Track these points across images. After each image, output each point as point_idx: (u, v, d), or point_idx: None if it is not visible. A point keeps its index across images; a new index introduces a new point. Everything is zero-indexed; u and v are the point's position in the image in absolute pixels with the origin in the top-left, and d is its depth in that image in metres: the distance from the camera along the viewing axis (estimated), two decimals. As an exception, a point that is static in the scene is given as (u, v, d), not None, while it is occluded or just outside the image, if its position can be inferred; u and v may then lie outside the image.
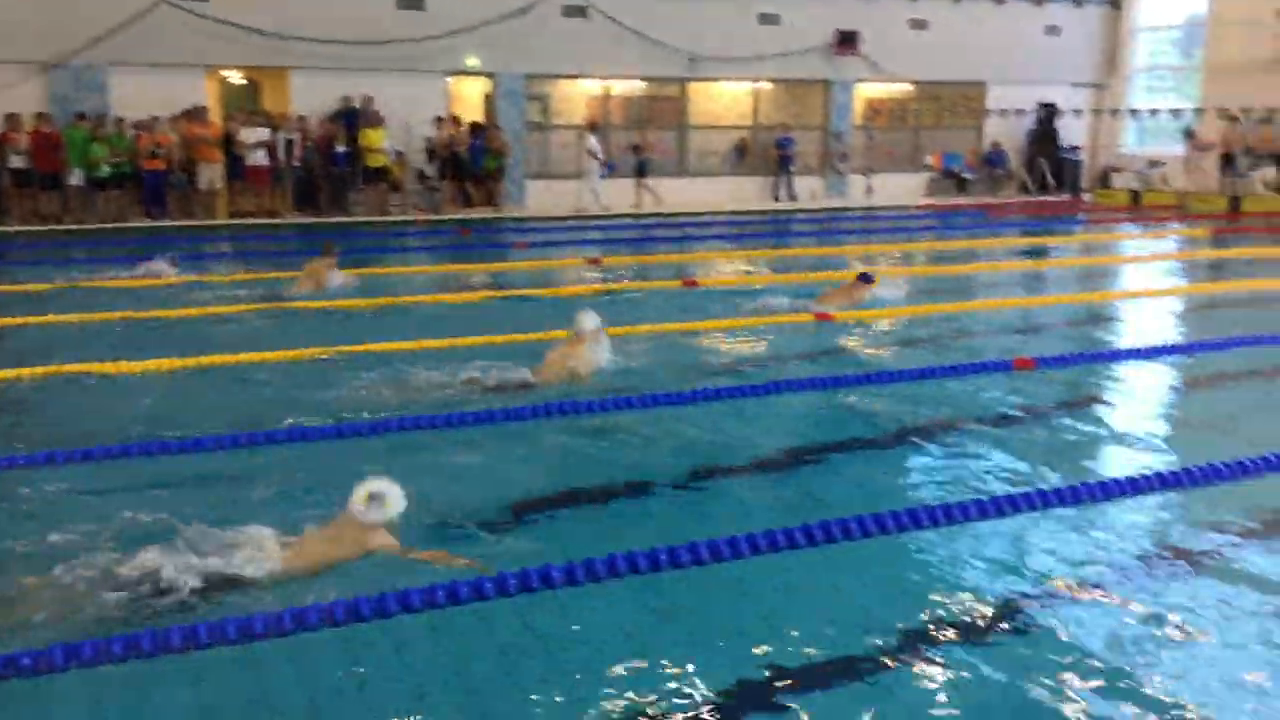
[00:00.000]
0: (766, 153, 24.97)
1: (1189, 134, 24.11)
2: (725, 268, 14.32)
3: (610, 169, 22.45)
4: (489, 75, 22.41)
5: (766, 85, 25.09)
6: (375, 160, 20.29)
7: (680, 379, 7.33)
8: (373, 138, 20.13)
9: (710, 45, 23.46)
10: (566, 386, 6.87)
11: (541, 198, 22.64)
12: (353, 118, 20.36)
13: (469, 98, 23.84)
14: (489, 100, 22.89)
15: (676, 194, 23.34)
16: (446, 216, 20.41)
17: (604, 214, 21.36)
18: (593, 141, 22.04)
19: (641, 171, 22.78)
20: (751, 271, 13.96)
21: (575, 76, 23.49)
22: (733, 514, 4.93)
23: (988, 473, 5.45)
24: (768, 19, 23.98)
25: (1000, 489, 5.14)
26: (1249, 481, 5.25)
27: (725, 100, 25.15)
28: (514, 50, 21.98)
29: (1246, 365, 8.05)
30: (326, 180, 20.25)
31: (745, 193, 24.57)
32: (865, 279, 10.38)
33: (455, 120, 21.13)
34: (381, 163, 20.40)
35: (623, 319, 9.58)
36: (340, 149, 19.98)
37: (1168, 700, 3.38)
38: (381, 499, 4.32)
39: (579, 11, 22.46)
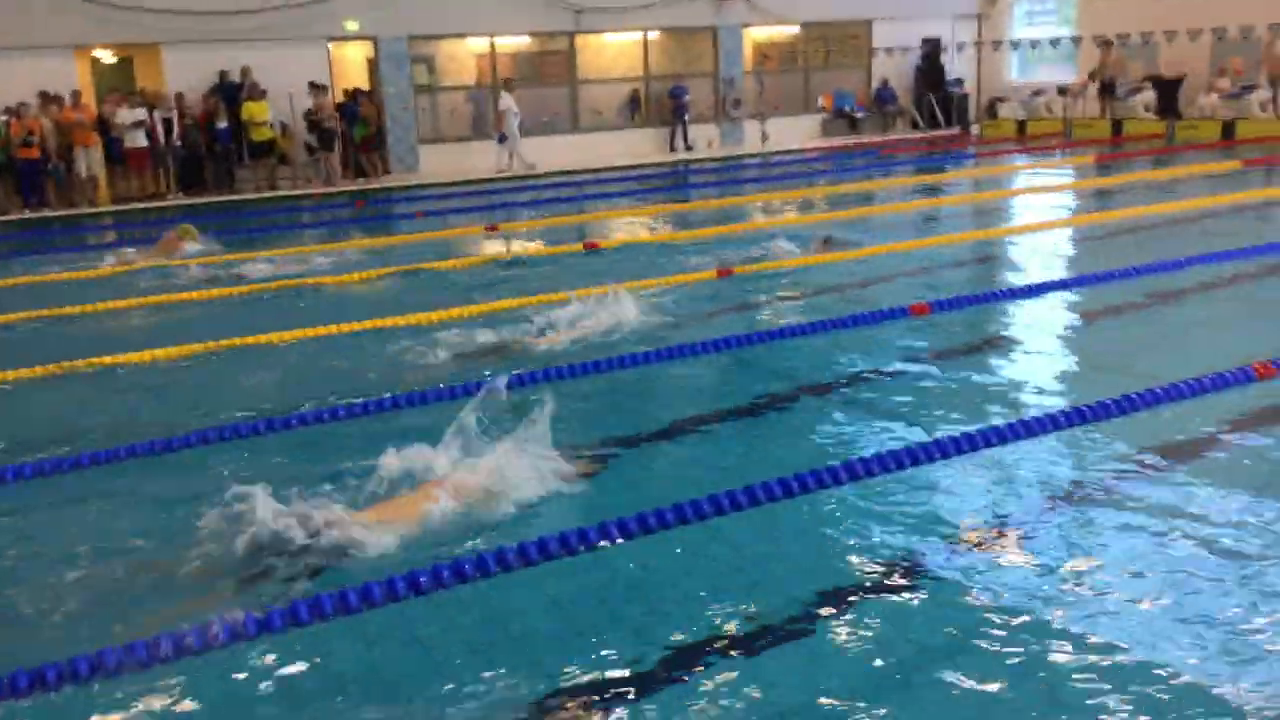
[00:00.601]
0: (660, 103, 24.88)
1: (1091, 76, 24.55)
2: (627, 226, 14.29)
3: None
4: (371, 39, 21.86)
5: (655, 35, 24.92)
6: (260, 134, 19.72)
7: (584, 349, 7.31)
8: (255, 111, 19.54)
9: (596, -3, 23.18)
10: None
11: (436, 162, 22.26)
12: (233, 91, 19.74)
13: (353, 63, 23.28)
14: (372, 65, 22.36)
15: (571, 151, 23.12)
16: (338, 189, 19.97)
17: (497, 176, 21.10)
18: (509, 101, 21.66)
19: (503, 140, 21.83)
20: (654, 228, 13.96)
21: (460, 35, 23.06)
22: (642, 486, 4.95)
23: (889, 426, 5.54)
24: (652, -33, 23.76)
25: (903, 441, 5.22)
26: (1144, 414, 5.42)
27: (614, 53, 24.94)
28: (395, 12, 21.46)
29: (1141, 293, 8.30)
30: (211, 158, 19.65)
31: (642, 145, 24.47)
32: (828, 241, 10.65)
33: (320, 89, 20.47)
34: (267, 136, 19.84)
35: (523, 288, 9.55)
36: (222, 125, 19.37)
37: (1081, 633, 3.50)
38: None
39: (460, -32, 21.97)
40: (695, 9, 24.43)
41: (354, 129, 20.79)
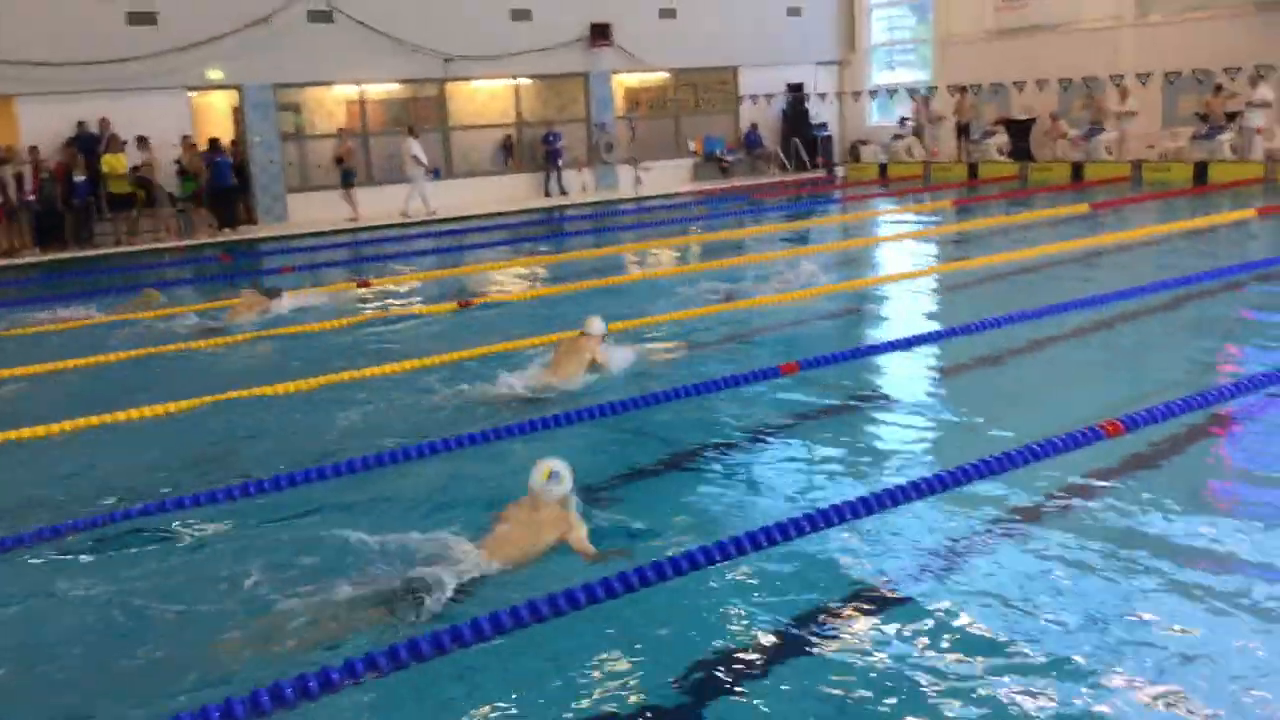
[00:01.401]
0: (534, 149, 24.98)
1: (924, 100, 25.64)
2: (501, 279, 14.25)
3: (436, 174, 21.96)
4: (235, 88, 21.44)
5: (526, 81, 25.04)
6: (119, 186, 19.13)
7: (455, 419, 7.24)
8: (114, 163, 18.96)
9: (465, 44, 23.21)
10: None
11: (305, 212, 21.88)
12: (91, 143, 19.11)
13: (218, 112, 22.79)
14: (237, 114, 21.92)
15: (444, 198, 23.00)
16: (203, 241, 19.47)
17: (368, 224, 20.86)
18: (415, 146, 21.54)
19: (347, 182, 21.58)
20: (530, 280, 13.94)
21: (326, 83, 22.80)
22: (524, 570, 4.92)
23: (754, 499, 5.63)
24: (520, 15, 23.93)
25: (771, 514, 5.30)
26: (1004, 476, 5.62)
27: (486, 98, 24.99)
28: (259, 60, 21.12)
29: (1003, 344, 8.61)
30: (69, 212, 18.95)
31: (516, 191, 24.52)
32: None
33: (186, 140, 20.06)
34: (127, 189, 19.25)
35: (390, 354, 9.42)
36: (79, 178, 18.71)
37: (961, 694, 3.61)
38: (559, 476, 5.03)
39: (324, 16, 21.77)
40: (565, 56, 24.65)
41: (228, 179, 20.31)
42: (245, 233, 20.44)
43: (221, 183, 20.26)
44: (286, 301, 11.94)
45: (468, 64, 23.47)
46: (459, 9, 23.15)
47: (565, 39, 24.47)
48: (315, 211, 21.81)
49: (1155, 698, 3.70)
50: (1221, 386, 6.93)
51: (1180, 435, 6.22)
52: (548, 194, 24.48)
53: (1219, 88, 21.12)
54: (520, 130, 25.19)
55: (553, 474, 5.01)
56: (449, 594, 4.51)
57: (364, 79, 22.91)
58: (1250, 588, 4.40)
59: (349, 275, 14.93)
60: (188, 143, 20.20)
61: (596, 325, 8.37)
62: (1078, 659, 3.93)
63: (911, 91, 26.91)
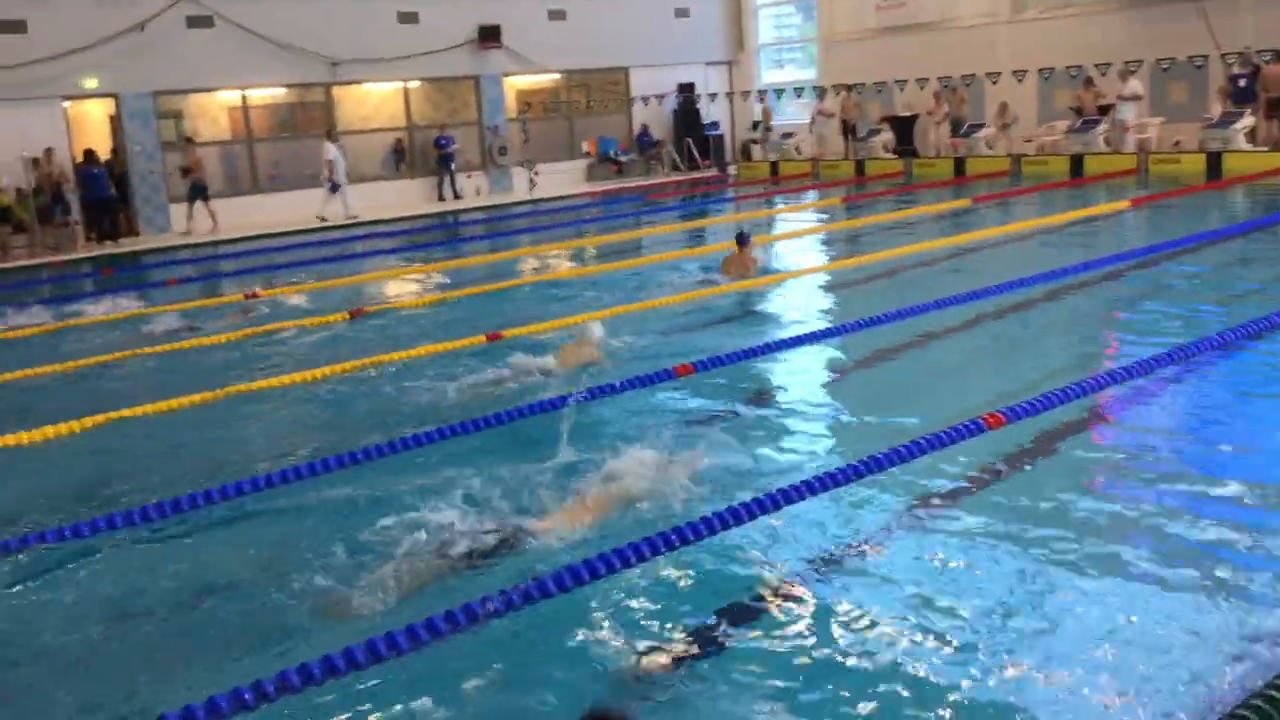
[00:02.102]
0: (426, 153, 24.72)
1: (820, 96, 26.11)
2: (394, 286, 14.06)
3: (334, 187, 21.59)
4: (112, 96, 20.78)
5: (416, 84, 24.77)
6: (-9, 201, 18.41)
7: (349, 436, 7.13)
8: (-21, 177, 18.23)
9: (351, 48, 22.87)
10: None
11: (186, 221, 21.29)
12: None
13: (96, 121, 22.06)
14: (115, 123, 21.25)
15: (335, 204, 22.61)
16: (81, 255, 18.82)
17: (261, 233, 20.41)
18: (334, 151, 21.28)
19: (196, 195, 20.82)
20: (423, 288, 13.79)
21: (209, 90, 22.24)
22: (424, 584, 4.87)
23: (657, 499, 5.66)
24: (407, 18, 23.66)
25: (672, 514, 5.35)
26: (895, 469, 5.75)
27: (376, 102, 24.66)
28: (136, 67, 20.53)
29: (894, 339, 8.79)
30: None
31: (410, 196, 24.25)
32: (741, 240, 11.80)
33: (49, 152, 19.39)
34: (1, 203, 18.52)
35: (280, 367, 9.24)
36: (-54, 193, 17.96)
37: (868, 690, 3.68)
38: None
39: (205, 22, 21.24)
40: (455, 59, 24.45)
41: (106, 190, 19.65)
42: (127, 245, 19.83)
43: (99, 194, 19.61)
44: None
45: (355, 67, 23.13)
46: (344, 12, 22.80)
47: (454, 41, 24.27)
48: (203, 220, 21.23)
49: (1058, 675, 3.83)
50: (1100, 375, 7.18)
51: (1063, 424, 6.43)
52: (441, 198, 24.25)
53: (1089, 82, 21.89)
54: (411, 134, 24.90)
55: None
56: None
57: (247, 84, 22.41)
58: (1136, 564, 4.59)
59: (237, 286, 14.58)
60: (47, 156, 19.36)
61: (595, 330, 8.93)
62: (979, 643, 4.04)
63: (797, 91, 27.34)
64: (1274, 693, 3.40)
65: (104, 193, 19.74)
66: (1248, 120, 19.51)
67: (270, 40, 21.85)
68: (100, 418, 7.61)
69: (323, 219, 21.39)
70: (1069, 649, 4.01)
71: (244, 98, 22.70)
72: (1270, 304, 8.86)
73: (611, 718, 3.10)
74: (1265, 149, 19.29)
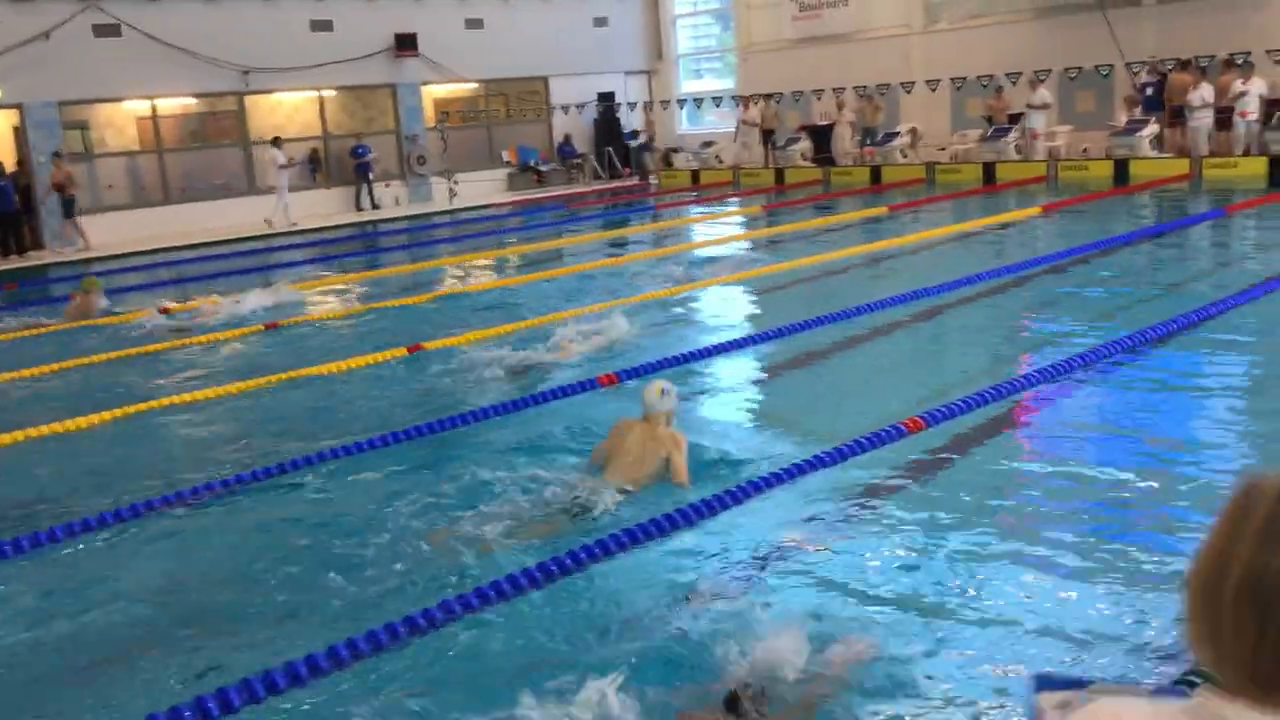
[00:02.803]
0: (342, 162, 24.39)
1: (744, 104, 26.30)
2: (311, 298, 13.82)
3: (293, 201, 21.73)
4: (15, 107, 20.16)
5: (331, 93, 24.44)
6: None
7: (269, 448, 6.99)
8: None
9: (263, 56, 22.49)
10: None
11: (98, 233, 20.72)
12: None
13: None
14: (19, 133, 20.62)
15: (250, 215, 22.23)
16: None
17: (171, 245, 19.94)
18: (280, 157, 21.30)
19: (68, 212, 20.03)
20: (342, 299, 13.57)
21: (116, 100, 21.70)
22: (332, 606, 4.79)
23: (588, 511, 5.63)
24: (320, 25, 23.35)
25: (602, 524, 5.32)
26: (818, 475, 5.79)
27: (289, 111, 24.25)
28: (41, 77, 19.95)
29: (818, 345, 8.86)
30: None
31: (326, 206, 23.88)
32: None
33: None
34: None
35: (198, 382, 9.03)
36: None
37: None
38: (669, 392, 5.74)
39: (112, 30, 20.73)
40: (371, 67, 24.18)
41: (11, 202, 19.04)
42: (33, 258, 19.23)
43: (3, 208, 18.99)
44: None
45: (267, 76, 22.75)
46: (256, 20, 22.42)
47: (370, 49, 24.00)
48: (108, 233, 20.69)
49: (983, 667, 3.93)
50: (1015, 379, 7.32)
51: (980, 427, 6.54)
52: (359, 208, 23.94)
53: (1000, 91, 22.39)
54: (327, 143, 24.55)
55: (664, 391, 5.70)
56: (611, 504, 5.37)
57: (156, 94, 21.91)
58: (1051, 557, 4.70)
59: (150, 300, 14.19)
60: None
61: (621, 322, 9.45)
62: (906, 640, 4.10)
63: (716, 100, 27.55)
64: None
65: (8, 206, 19.13)
66: (1152, 128, 20.11)
67: (180, 49, 21.39)
68: (6, 437, 7.36)
69: (270, 225, 21.49)
70: (989, 637, 4.11)
71: (153, 107, 22.19)
72: (1176, 307, 9.13)
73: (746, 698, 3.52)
74: (1170, 156, 19.89)
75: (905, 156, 23.53)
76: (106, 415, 7.83)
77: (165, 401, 8.27)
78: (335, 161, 24.48)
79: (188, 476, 6.52)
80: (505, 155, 27.12)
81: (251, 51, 22.32)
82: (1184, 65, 19.94)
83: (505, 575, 4.60)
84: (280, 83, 23.14)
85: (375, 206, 24.01)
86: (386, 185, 24.61)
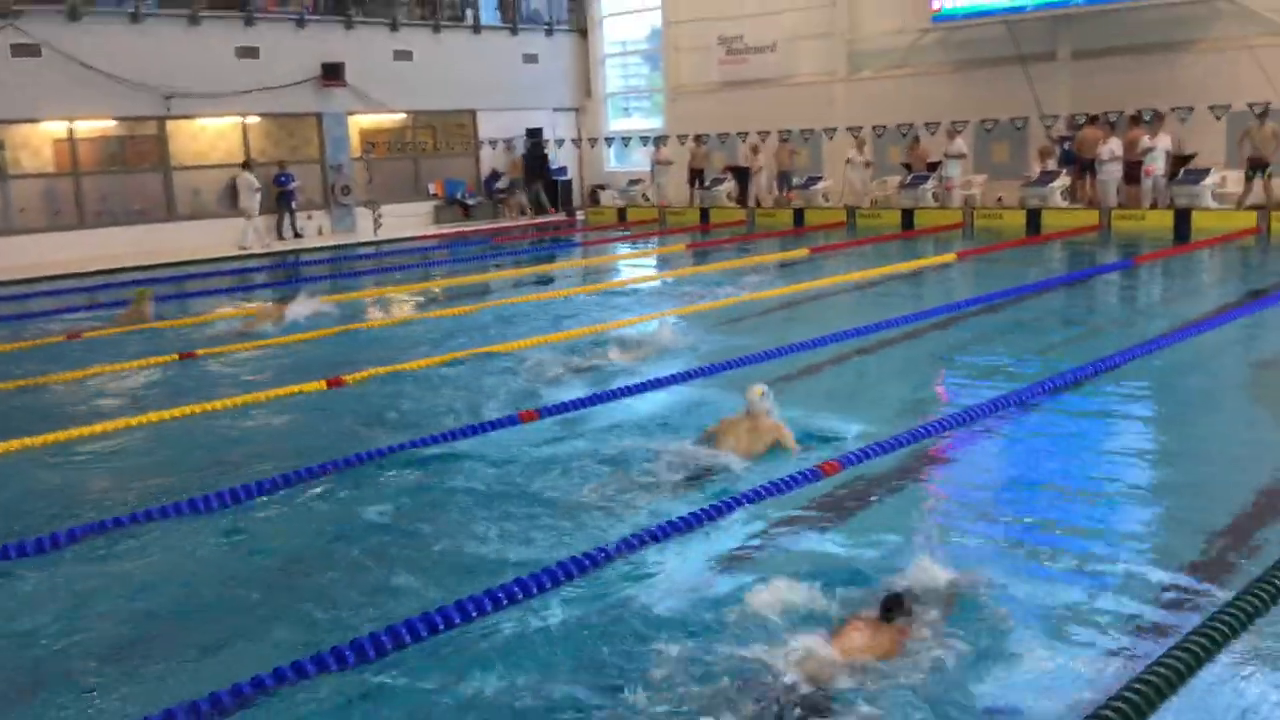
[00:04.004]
0: (265, 190, 24.05)
1: (656, 144, 26.59)
2: (228, 327, 13.57)
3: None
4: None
5: (255, 120, 24.16)
6: None
7: (180, 485, 6.85)
8: None
9: (187, 81, 22.21)
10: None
11: (9, 256, 20.17)
12: None
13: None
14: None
15: (168, 242, 21.85)
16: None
17: (86, 270, 19.48)
18: (251, 179, 21.56)
19: None
20: (260, 330, 13.35)
21: (32, 120, 21.22)
22: (243, 642, 4.71)
23: (494, 547, 5.62)
24: (246, 52, 23.14)
25: (509, 566, 5.31)
26: (736, 515, 5.84)
27: (212, 137, 23.91)
28: (-48, 95, 19.41)
29: (739, 384, 8.90)
30: None
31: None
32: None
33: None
34: None
35: (107, 412, 8.83)
36: None
37: None
38: (769, 393, 6.87)
39: (31, 50, 20.31)
40: (296, 95, 24.00)
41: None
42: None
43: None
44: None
45: (190, 102, 22.44)
46: (180, 45, 22.17)
47: (296, 78, 23.82)
48: (21, 256, 20.15)
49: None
50: (930, 423, 7.47)
51: (895, 469, 6.66)
52: (281, 237, 23.64)
53: (917, 140, 22.96)
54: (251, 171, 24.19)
55: (763, 393, 6.79)
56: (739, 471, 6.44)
57: (75, 116, 21.47)
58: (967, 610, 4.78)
59: (60, 326, 13.85)
60: None
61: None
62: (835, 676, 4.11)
63: (644, 139, 27.82)
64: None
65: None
66: (1064, 179, 20.76)
67: (100, 71, 21.01)
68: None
69: (243, 248, 21.92)
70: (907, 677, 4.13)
71: (70, 130, 21.73)
72: (1084, 353, 9.41)
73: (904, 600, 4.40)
74: (1080, 207, 20.54)
75: (828, 200, 23.96)
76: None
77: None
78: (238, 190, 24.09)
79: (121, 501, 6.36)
80: (432, 188, 27.04)
81: (175, 75, 22.02)
82: (1093, 120, 20.65)
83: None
84: (203, 108, 22.83)
85: (298, 235, 23.75)
86: (309, 216, 24.34)
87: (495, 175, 27.64)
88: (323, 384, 9.42)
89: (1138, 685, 3.71)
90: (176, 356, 11.05)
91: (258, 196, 22.30)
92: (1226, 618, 4.17)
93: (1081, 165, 20.73)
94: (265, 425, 8.48)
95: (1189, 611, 4.63)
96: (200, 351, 11.34)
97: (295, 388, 9.28)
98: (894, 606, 4.36)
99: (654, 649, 4.37)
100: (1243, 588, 4.51)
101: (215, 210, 23.63)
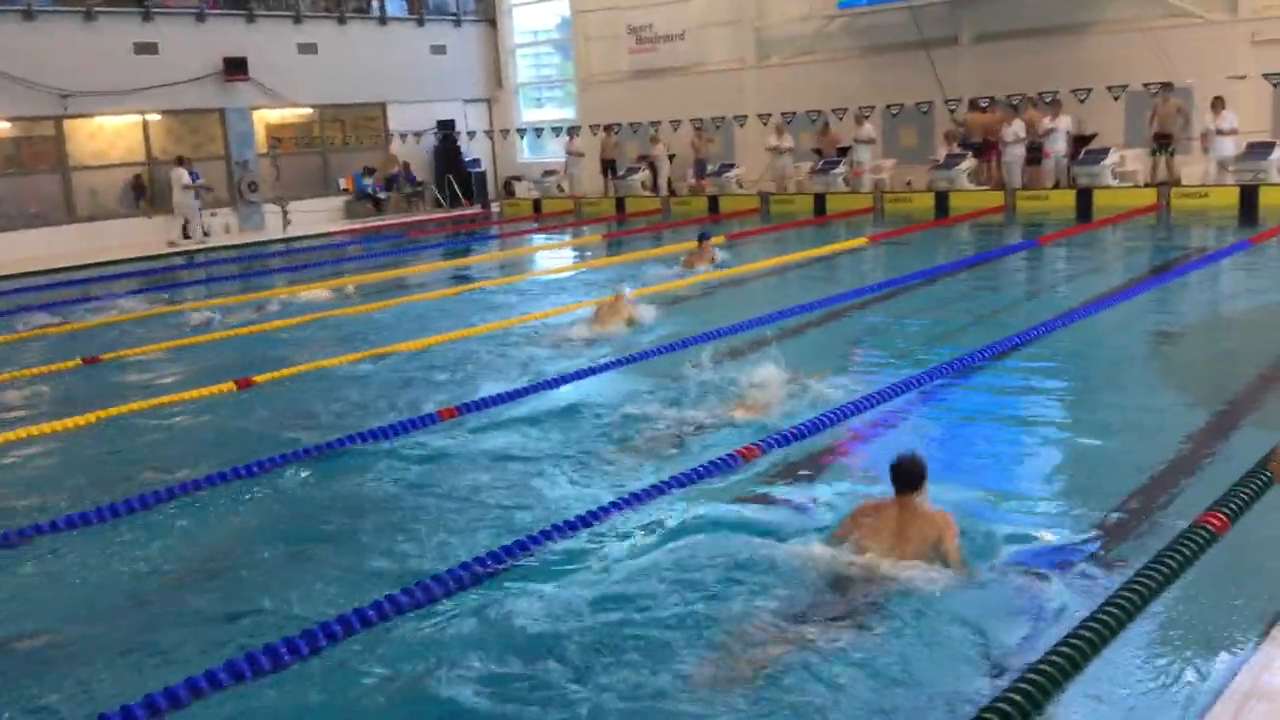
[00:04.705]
0: (168, 189, 23.45)
1: (570, 134, 26.50)
2: (134, 330, 13.22)
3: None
4: None
5: (157, 117, 23.54)
6: None
7: (90, 489, 6.67)
8: None
9: (84, 79, 21.53)
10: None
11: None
12: None
13: None
14: None
15: (67, 244, 21.20)
16: None
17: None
18: (186, 175, 21.50)
19: None
20: (167, 330, 13.02)
21: (-81, 121, 20.42)
22: (166, 646, 4.61)
23: (414, 545, 5.57)
24: (145, 48, 22.52)
25: (430, 563, 5.27)
26: (661, 500, 5.85)
27: (111, 136, 23.23)
28: None
29: (656, 372, 8.95)
30: None
31: (151, 234, 22.89)
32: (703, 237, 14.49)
33: None
34: None
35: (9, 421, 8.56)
36: None
37: None
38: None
39: (-85, 48, 19.49)
40: (198, 91, 23.44)
41: None
42: None
43: None
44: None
45: (88, 100, 21.77)
46: (76, 42, 21.49)
47: (197, 73, 23.25)
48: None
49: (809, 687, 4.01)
50: (848, 404, 7.55)
51: (816, 452, 6.74)
52: (187, 236, 23.06)
53: (827, 126, 23.21)
54: (152, 169, 23.59)
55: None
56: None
57: (-35, 115, 20.72)
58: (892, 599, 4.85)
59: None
60: None
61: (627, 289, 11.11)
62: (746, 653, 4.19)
63: (556, 130, 27.71)
64: (1013, 697, 3.63)
65: None
66: (969, 162, 21.16)
67: (-7, 69, 20.30)
68: None
69: (172, 244, 22.06)
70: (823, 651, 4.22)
71: (-40, 129, 20.98)
72: (994, 332, 9.62)
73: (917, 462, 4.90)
74: (986, 188, 20.97)
75: (741, 187, 24.11)
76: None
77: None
78: (161, 188, 23.50)
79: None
80: (341, 183, 26.61)
81: (71, 74, 21.33)
82: (976, 104, 21.22)
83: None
84: (102, 106, 22.17)
85: (205, 235, 23.19)
86: (214, 214, 23.78)
87: (407, 168, 27.22)
88: (232, 385, 9.22)
89: (1040, 668, 3.77)
90: (78, 361, 10.74)
91: (190, 193, 22.17)
92: (1123, 601, 4.22)
93: (974, 149, 21.15)
94: (175, 428, 8.28)
95: (1096, 585, 4.73)
96: (105, 356, 11.02)
97: (204, 390, 9.06)
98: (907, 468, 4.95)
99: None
100: (1138, 569, 4.59)
101: (118, 210, 22.99)
